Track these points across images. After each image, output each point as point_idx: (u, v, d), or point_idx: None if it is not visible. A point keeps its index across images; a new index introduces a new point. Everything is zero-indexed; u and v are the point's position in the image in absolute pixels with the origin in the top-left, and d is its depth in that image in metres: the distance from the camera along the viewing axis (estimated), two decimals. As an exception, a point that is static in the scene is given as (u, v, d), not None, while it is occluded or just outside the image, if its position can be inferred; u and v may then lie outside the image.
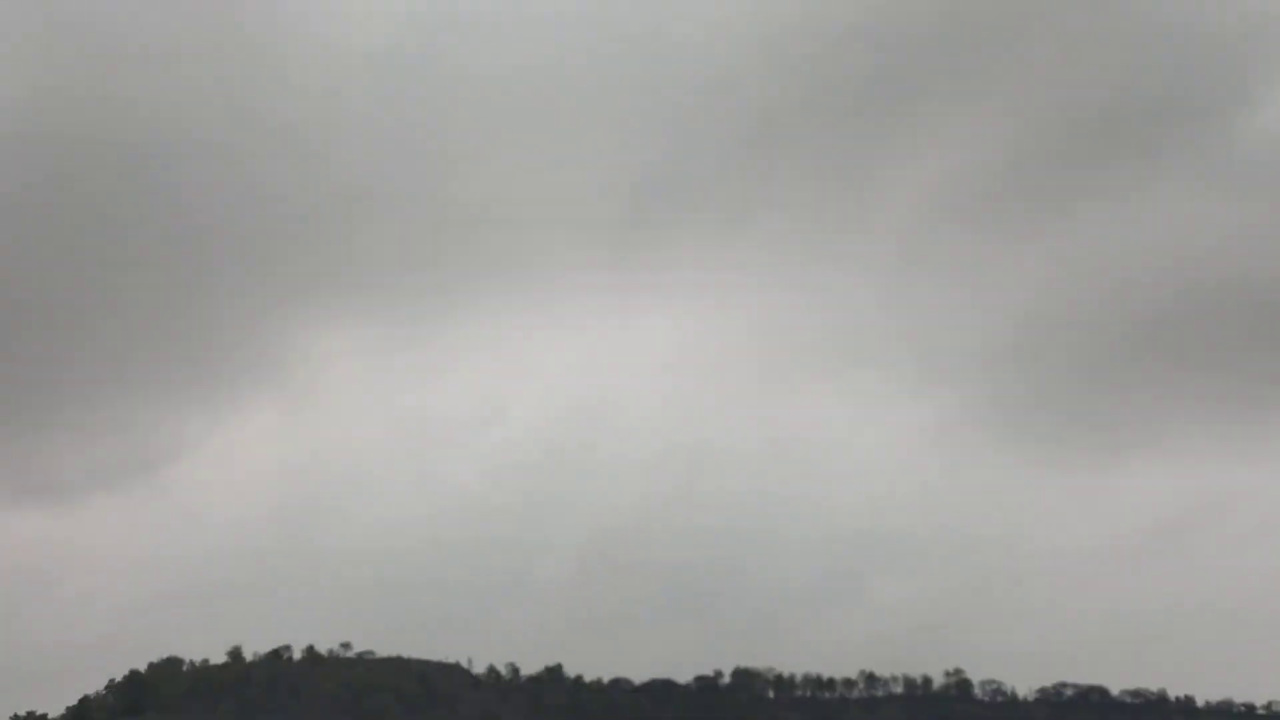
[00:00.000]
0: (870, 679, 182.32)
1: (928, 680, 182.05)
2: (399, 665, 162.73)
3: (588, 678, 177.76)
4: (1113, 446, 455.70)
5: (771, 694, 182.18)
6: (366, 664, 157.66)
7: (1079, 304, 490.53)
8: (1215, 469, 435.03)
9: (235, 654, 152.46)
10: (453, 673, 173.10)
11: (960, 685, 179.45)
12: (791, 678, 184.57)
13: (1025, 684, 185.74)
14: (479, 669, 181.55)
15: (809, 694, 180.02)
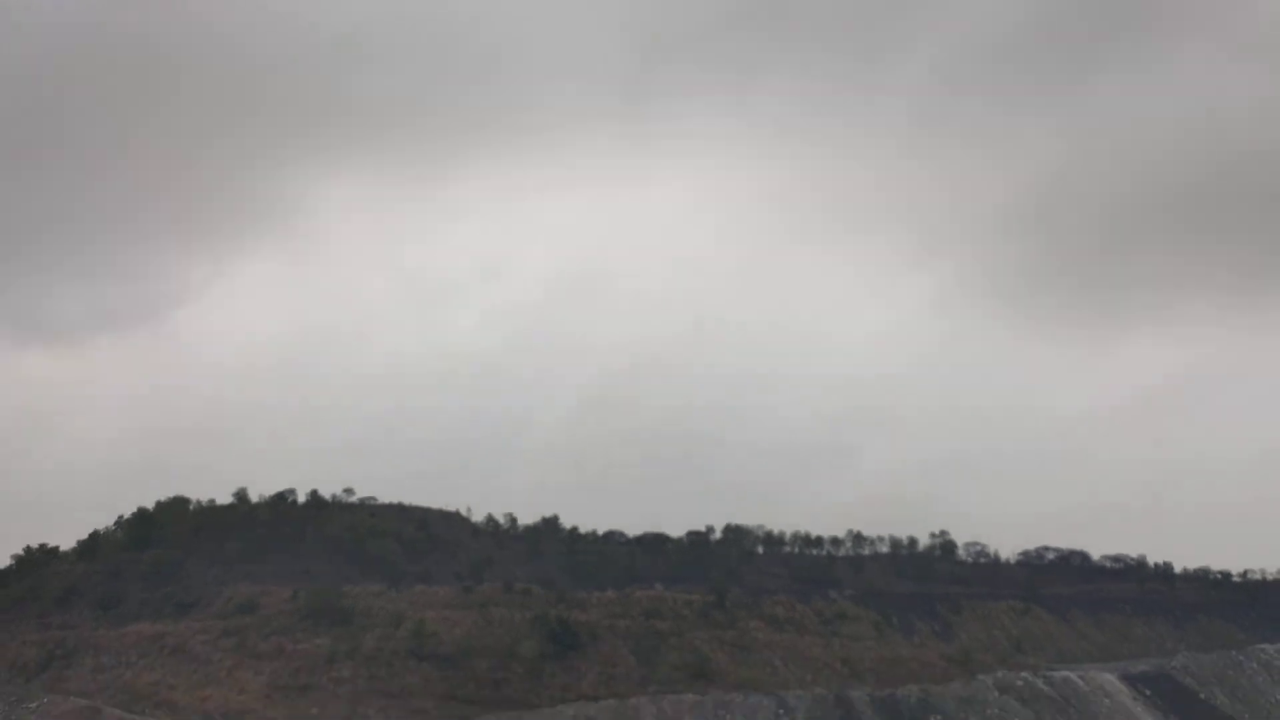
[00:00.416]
0: (858, 538, 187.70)
1: (913, 541, 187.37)
2: (400, 511, 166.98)
3: (583, 529, 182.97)
4: (1116, 317, 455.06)
5: (760, 549, 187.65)
6: (369, 509, 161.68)
7: (1088, 175, 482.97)
8: (1219, 340, 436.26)
9: (241, 495, 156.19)
10: (453, 520, 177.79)
11: (945, 546, 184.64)
12: (781, 535, 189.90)
13: (1009, 548, 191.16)
14: (477, 518, 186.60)
15: (797, 550, 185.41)
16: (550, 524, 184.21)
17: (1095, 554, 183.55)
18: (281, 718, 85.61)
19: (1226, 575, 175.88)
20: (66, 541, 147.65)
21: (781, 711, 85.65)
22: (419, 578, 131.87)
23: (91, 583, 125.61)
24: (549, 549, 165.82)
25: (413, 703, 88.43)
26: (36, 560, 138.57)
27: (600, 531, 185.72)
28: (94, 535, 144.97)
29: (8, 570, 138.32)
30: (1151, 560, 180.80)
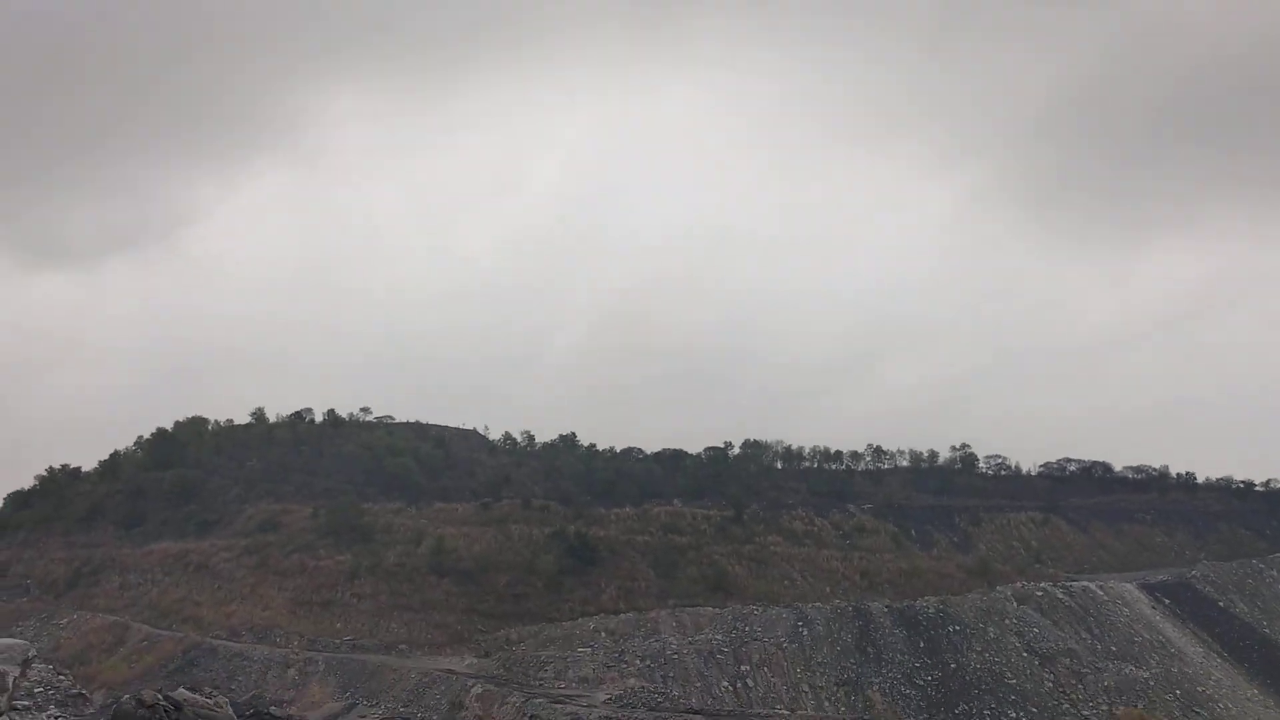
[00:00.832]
0: (877, 452, 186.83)
1: (933, 454, 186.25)
2: (417, 430, 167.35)
3: (600, 447, 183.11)
4: (1141, 225, 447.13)
5: (779, 465, 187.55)
6: (386, 428, 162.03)
7: (1117, 79, 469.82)
8: (1245, 251, 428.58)
9: (259, 415, 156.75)
10: (470, 438, 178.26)
11: (965, 459, 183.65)
12: (799, 450, 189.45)
13: (1030, 460, 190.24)
14: (495, 436, 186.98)
15: (816, 465, 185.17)
16: (568, 441, 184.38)
17: (1117, 465, 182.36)
18: (306, 632, 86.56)
19: (1249, 484, 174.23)
20: (88, 463, 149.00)
21: (800, 624, 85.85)
22: (437, 495, 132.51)
23: (114, 502, 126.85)
24: (566, 466, 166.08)
25: (434, 617, 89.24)
26: (60, 481, 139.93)
27: (618, 448, 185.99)
28: (114, 455, 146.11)
29: (32, 491, 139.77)
30: (1174, 471, 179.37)
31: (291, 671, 77.65)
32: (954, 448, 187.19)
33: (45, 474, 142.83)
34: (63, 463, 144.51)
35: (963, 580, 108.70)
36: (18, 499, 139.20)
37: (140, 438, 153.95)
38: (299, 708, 70.92)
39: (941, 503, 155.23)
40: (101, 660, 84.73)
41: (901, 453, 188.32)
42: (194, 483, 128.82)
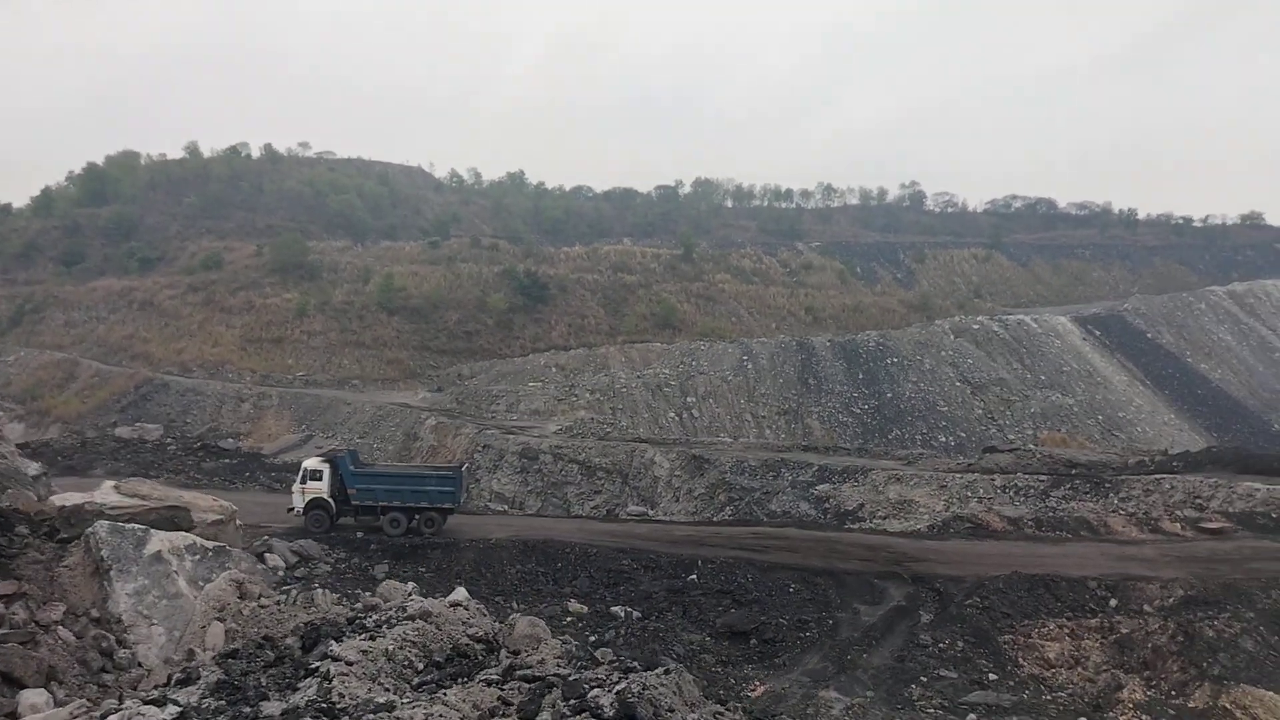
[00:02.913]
0: (827, 190, 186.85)
1: (883, 192, 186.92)
2: (360, 166, 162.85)
3: (549, 185, 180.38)
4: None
5: (730, 203, 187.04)
6: (327, 164, 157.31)
7: None
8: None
9: (193, 150, 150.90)
10: (415, 175, 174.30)
11: (914, 197, 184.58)
12: (750, 188, 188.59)
13: (977, 198, 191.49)
14: (440, 174, 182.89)
15: (766, 204, 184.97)
16: (516, 179, 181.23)
17: (1061, 203, 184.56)
18: (258, 369, 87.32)
19: (1188, 220, 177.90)
20: (19, 199, 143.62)
21: (745, 358, 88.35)
22: (384, 234, 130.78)
23: (50, 239, 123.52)
24: (515, 205, 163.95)
25: (386, 354, 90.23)
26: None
27: (567, 187, 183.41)
28: (46, 191, 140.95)
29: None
30: (1116, 208, 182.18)
31: (246, 406, 78.91)
32: (903, 185, 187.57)
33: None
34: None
35: (904, 315, 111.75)
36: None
37: (71, 173, 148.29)
38: (255, 440, 72.64)
39: (888, 240, 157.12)
40: (54, 396, 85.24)
41: (851, 190, 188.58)
42: (131, 219, 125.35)
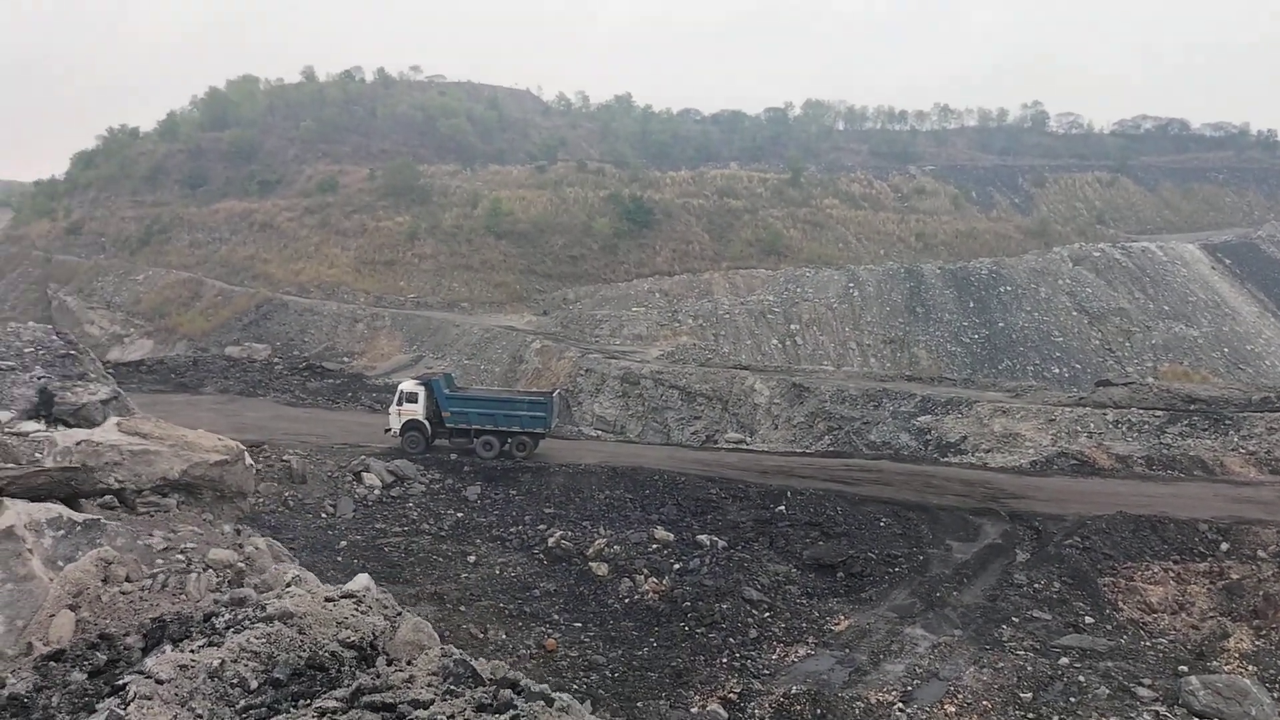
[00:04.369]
0: (944, 111, 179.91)
1: (1003, 112, 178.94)
2: (470, 90, 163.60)
3: (657, 108, 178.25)
4: None
5: (841, 126, 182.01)
6: (438, 88, 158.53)
7: None
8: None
9: (309, 74, 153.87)
10: (523, 99, 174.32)
11: (1036, 118, 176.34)
12: (863, 110, 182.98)
13: (1104, 119, 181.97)
14: (548, 97, 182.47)
15: (879, 126, 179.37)
16: (623, 102, 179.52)
17: (1195, 123, 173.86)
18: (371, 290, 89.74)
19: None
20: (146, 123, 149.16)
21: (851, 285, 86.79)
22: (492, 158, 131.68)
23: (175, 162, 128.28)
24: (622, 128, 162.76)
25: (494, 277, 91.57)
26: (121, 140, 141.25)
27: (675, 110, 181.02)
28: (171, 115, 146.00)
29: (95, 151, 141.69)
30: (1255, 128, 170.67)
31: (360, 326, 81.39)
32: (1024, 105, 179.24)
33: (106, 134, 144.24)
34: (121, 123, 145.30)
35: (1020, 242, 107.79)
36: (83, 159, 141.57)
37: (194, 97, 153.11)
38: (369, 359, 75.04)
39: (1006, 163, 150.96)
40: (180, 313, 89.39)
41: (970, 111, 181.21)
42: (251, 143, 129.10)
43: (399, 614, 9.49)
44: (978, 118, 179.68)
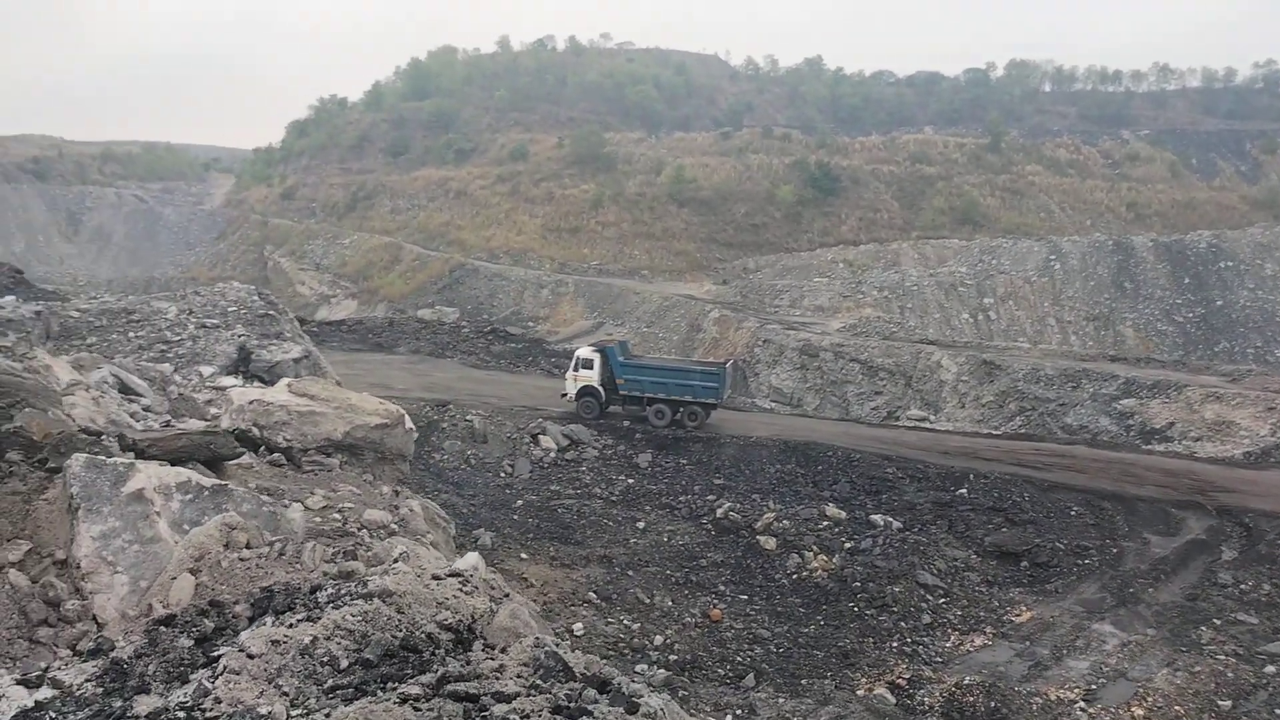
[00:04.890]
0: (1163, 71, 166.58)
1: (1231, 72, 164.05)
2: (657, 56, 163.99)
3: (848, 71, 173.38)
4: None
5: (1047, 87, 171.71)
6: (626, 54, 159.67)
7: None
8: None
9: (503, 43, 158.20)
10: (710, 64, 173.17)
11: (1269, 78, 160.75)
12: (1072, 70, 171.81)
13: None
14: (736, 61, 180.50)
15: (1090, 87, 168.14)
16: (813, 65, 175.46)
17: None
18: (556, 256, 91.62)
19: None
20: (354, 94, 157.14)
21: (1052, 257, 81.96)
22: (677, 124, 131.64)
23: (379, 131, 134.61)
24: (811, 92, 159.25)
25: (675, 245, 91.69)
26: (330, 110, 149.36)
27: (867, 72, 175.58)
28: (376, 86, 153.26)
29: (308, 120, 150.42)
30: None
31: (545, 292, 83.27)
32: (1256, 64, 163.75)
33: (317, 104, 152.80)
34: (332, 93, 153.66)
35: (1245, 213, 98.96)
36: (297, 128, 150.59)
37: (398, 68, 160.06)
38: (552, 325, 76.71)
39: (1232, 128, 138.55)
40: (381, 276, 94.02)
41: (1192, 71, 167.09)
42: (449, 112, 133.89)
43: (506, 595, 9.19)
44: (1201, 78, 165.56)
